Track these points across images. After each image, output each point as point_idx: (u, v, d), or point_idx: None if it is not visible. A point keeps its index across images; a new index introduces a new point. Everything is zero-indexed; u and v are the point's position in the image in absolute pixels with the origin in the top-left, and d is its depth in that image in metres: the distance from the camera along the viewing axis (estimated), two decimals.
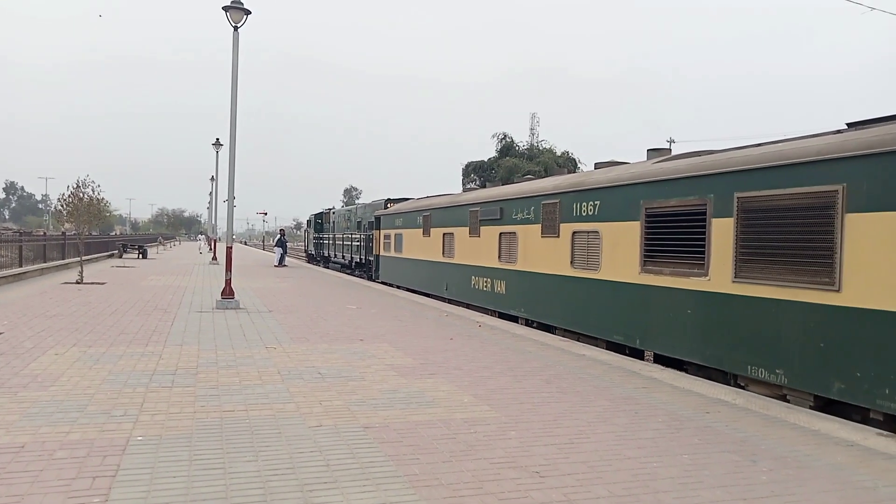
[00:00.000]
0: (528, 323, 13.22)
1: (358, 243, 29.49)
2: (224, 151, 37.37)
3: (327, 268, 35.21)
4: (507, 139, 55.34)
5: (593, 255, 10.91)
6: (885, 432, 5.88)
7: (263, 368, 7.66)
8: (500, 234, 14.38)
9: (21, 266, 19.99)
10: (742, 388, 7.87)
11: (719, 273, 8.18)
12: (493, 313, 14.56)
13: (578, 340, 11.07)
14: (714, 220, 8.30)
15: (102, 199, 19.94)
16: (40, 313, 11.80)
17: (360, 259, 29.03)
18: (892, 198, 6.19)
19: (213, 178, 45.65)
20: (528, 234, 13.13)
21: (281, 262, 32.06)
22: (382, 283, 23.40)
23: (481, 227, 15.39)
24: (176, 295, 16.05)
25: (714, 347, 8.29)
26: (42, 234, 31.20)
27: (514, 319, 13.74)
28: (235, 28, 13.91)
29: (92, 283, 18.14)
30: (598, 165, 12.57)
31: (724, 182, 8.19)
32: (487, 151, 56.83)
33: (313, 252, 42.34)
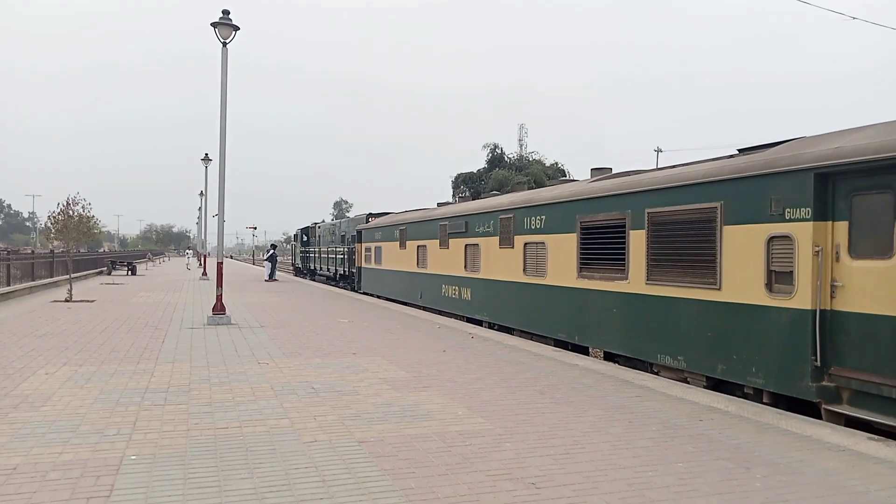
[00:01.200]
0: (491, 326, 14.40)
1: (342, 256, 30.46)
2: (213, 166, 37.32)
3: (314, 280, 35.97)
4: (498, 150, 55.56)
5: (541, 264, 12.34)
6: (876, 437, 5.94)
7: (256, 384, 7.63)
8: (466, 245, 15.85)
9: (9, 284, 19.83)
10: (656, 374, 9.17)
11: (636, 277, 9.60)
12: (461, 318, 15.83)
13: (532, 339, 12.26)
14: (631, 232, 9.73)
15: (92, 216, 19.84)
16: (29, 332, 11.70)
17: (344, 271, 29.94)
18: (752, 212, 7.70)
19: (202, 194, 45.56)
20: (489, 246, 14.62)
21: (272, 277, 31.98)
22: (365, 293, 24.45)
23: (450, 240, 16.83)
24: (166, 311, 15.96)
25: (634, 340, 9.69)
26: (31, 251, 30.97)
27: (478, 323, 14.90)
28: (224, 44, 13.94)
29: (81, 301, 18.00)
30: (548, 183, 13.66)
31: (638, 199, 9.60)
32: (478, 162, 57.03)
33: (300, 265, 43.22)
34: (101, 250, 60.84)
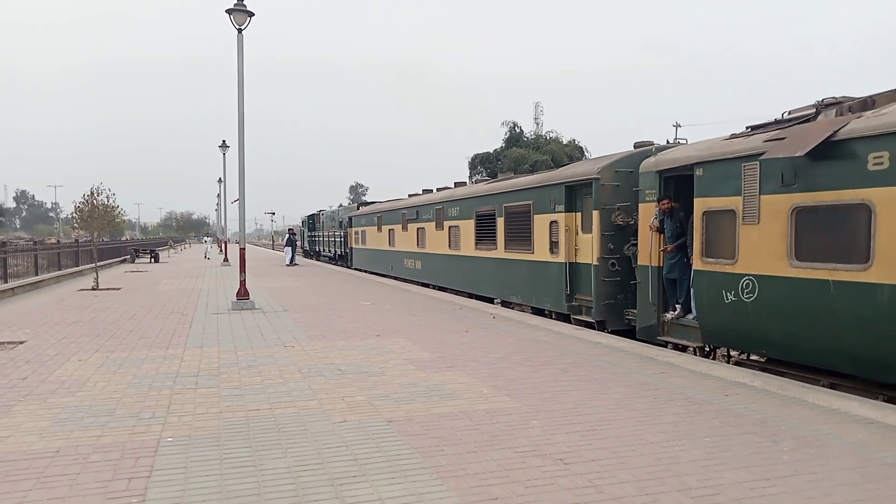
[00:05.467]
0: (434, 287, 19.37)
1: (340, 239, 35.83)
2: (231, 153, 37.51)
3: (318, 260, 41.09)
4: (517, 129, 55.12)
5: (457, 241, 17.74)
6: None
7: (284, 367, 7.77)
8: (417, 228, 21.26)
9: (37, 274, 20.23)
10: (511, 308, 14.22)
11: (500, 247, 15.05)
12: (416, 283, 20.72)
13: (457, 295, 17.00)
14: (498, 219, 15.16)
15: (116, 206, 20.09)
16: (60, 320, 11.95)
17: (341, 252, 35.52)
18: (544, 207, 13.01)
19: (220, 180, 45.89)
20: (430, 228, 20.06)
21: (292, 261, 32.22)
22: (356, 269, 29.37)
23: (408, 224, 22.24)
24: (191, 298, 16.20)
25: (500, 288, 15.17)
26: (56, 241, 31.47)
27: (426, 285, 19.90)
28: (239, 30, 13.98)
29: (107, 289, 18.32)
30: (457, 184, 20.82)
31: (500, 198, 15.15)
32: (496, 142, 56.68)
33: (307, 248, 47.56)
34: (123, 238, 61.62)
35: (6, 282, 17.32)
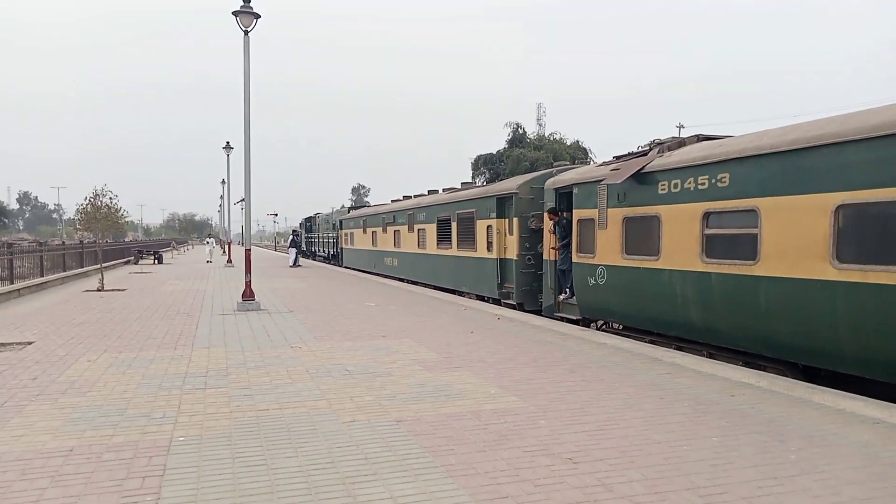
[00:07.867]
0: (406, 281, 22.41)
1: (333, 240, 38.99)
2: (235, 155, 37.58)
3: (315, 260, 43.94)
4: (520, 130, 55.23)
5: (423, 241, 20.97)
6: None
7: (292, 367, 7.81)
8: (394, 231, 24.42)
9: (42, 276, 20.30)
10: (463, 296, 17.03)
11: (454, 247, 18.17)
12: (394, 279, 23.68)
13: (428, 288, 19.84)
14: (452, 223, 18.37)
15: (119, 208, 20.16)
16: (67, 321, 12.01)
17: (334, 252, 38.91)
18: (483, 214, 16.17)
19: (224, 182, 45.96)
20: (404, 231, 23.20)
21: (296, 263, 32.27)
22: (346, 267, 32.60)
23: (387, 227, 25.45)
24: (196, 298, 16.25)
25: (455, 281, 18.26)
26: (61, 243, 31.55)
27: (402, 280, 22.81)
28: (246, 32, 14.04)
29: (113, 290, 18.38)
30: (430, 192, 23.03)
31: (454, 206, 18.38)
32: (499, 143, 56.85)
33: (305, 248, 50.00)
34: (127, 240, 61.75)
35: (12, 283, 17.38)
